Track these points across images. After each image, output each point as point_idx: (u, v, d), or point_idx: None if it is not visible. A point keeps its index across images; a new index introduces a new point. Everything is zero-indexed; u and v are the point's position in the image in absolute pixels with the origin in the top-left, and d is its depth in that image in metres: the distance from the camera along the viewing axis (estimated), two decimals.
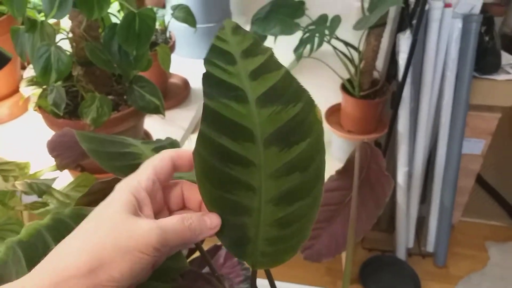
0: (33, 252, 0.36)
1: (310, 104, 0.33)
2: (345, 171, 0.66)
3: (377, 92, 1.25)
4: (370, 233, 1.63)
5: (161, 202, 0.34)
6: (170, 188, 0.35)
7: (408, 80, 1.22)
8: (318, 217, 0.70)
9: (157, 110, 0.77)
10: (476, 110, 1.33)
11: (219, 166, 0.32)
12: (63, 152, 0.65)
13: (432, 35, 1.19)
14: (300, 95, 0.33)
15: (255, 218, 0.35)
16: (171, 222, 0.30)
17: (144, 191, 0.31)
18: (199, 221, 0.31)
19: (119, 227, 0.28)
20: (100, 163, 0.48)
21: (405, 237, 1.50)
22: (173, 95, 1.03)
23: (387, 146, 1.33)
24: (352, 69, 1.24)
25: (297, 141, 0.33)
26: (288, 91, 0.33)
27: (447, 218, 1.46)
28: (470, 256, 1.61)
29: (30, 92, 0.82)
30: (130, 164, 0.46)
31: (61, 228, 0.37)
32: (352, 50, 1.21)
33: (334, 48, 1.19)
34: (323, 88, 1.40)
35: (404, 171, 1.35)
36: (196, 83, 1.09)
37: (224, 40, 0.33)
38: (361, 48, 1.21)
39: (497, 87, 1.27)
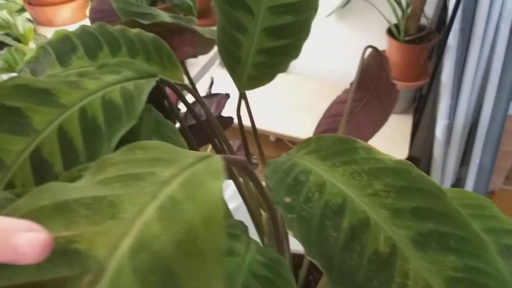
0: (61, 50, 0.44)
1: None
2: (359, 84, 0.70)
3: (423, 38, 1.24)
4: None
5: None
6: None
7: (457, 26, 1.19)
8: (324, 128, 0.75)
9: (189, 11, 0.84)
10: None
11: None
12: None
13: None
14: None
15: (248, 40, 0.44)
16: None
17: None
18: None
19: None
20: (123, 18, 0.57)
21: None
22: (214, 14, 1.11)
23: (428, 96, 1.31)
24: (400, 13, 1.24)
25: None
26: None
27: (484, 179, 1.42)
28: None
29: None
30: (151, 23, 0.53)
31: (86, 36, 0.45)
32: None
33: None
34: (370, 33, 1.41)
35: (443, 124, 1.33)
36: None
37: None
38: None
39: None
